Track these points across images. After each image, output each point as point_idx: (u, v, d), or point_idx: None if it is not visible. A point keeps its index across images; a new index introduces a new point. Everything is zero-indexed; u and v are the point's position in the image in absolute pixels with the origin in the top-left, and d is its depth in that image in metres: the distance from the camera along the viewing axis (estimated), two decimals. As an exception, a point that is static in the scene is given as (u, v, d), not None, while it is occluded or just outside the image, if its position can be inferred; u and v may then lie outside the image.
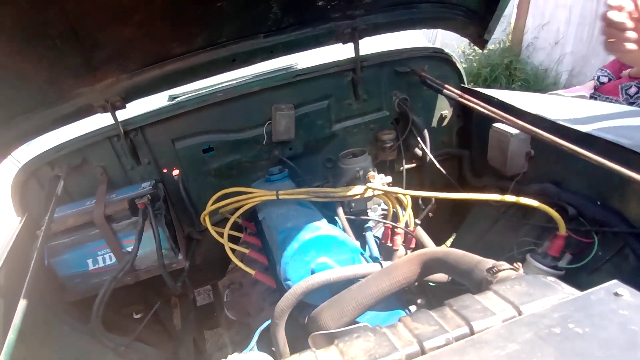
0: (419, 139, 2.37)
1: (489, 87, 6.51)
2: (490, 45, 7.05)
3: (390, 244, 1.92)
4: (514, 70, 7.23)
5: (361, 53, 2.21)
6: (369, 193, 1.88)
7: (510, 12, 7.52)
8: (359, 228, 2.02)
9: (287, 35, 2.00)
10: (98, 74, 1.77)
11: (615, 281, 0.85)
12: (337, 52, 2.26)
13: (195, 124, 2.20)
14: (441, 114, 2.53)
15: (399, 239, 1.89)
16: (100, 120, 2.04)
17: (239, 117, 2.25)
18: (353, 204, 2.03)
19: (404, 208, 1.92)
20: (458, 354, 0.76)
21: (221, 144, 2.26)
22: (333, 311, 1.39)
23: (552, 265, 1.64)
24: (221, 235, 2.05)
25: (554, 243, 1.65)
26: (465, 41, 7.43)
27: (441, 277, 1.64)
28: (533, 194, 1.78)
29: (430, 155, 2.34)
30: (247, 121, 2.27)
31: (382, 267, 1.53)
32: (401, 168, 2.46)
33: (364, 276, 1.49)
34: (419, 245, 1.96)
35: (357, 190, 1.87)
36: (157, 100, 2.19)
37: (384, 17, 2.09)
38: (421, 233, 1.99)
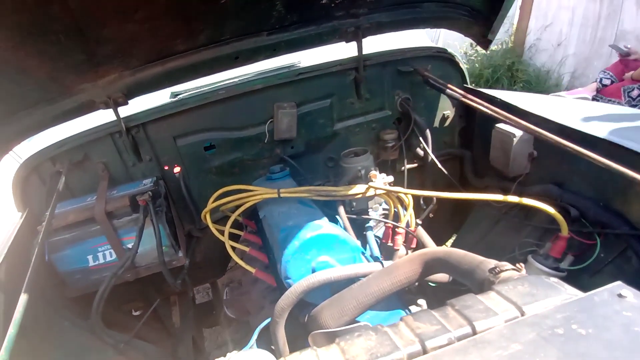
0: (421, 138, 2.36)
1: (490, 88, 6.50)
2: (493, 46, 7.01)
3: (391, 244, 1.92)
4: (516, 72, 7.22)
5: (364, 52, 2.20)
6: (371, 192, 1.87)
7: (513, 13, 7.50)
8: (360, 227, 2.02)
9: (290, 33, 1.99)
10: (100, 70, 1.77)
11: (619, 282, 0.84)
12: (340, 51, 2.25)
13: (197, 122, 2.20)
14: (443, 114, 2.52)
15: (399, 239, 1.89)
16: (102, 117, 2.04)
17: (241, 114, 2.24)
18: (354, 203, 2.03)
19: (405, 208, 1.91)
20: (460, 353, 0.76)
21: (223, 141, 2.25)
22: (333, 310, 1.39)
23: (553, 266, 1.63)
24: (222, 233, 2.04)
25: (556, 244, 1.65)
26: (467, 42, 7.44)
27: (442, 277, 1.64)
28: (535, 195, 1.77)
29: (432, 155, 2.33)
30: (249, 119, 2.27)
31: (383, 266, 1.53)
32: (403, 168, 2.46)
33: (364, 275, 1.49)
34: (420, 245, 1.96)
35: (358, 189, 1.86)
36: (159, 97, 2.18)
37: (387, 16, 2.09)
38: (422, 233, 1.99)
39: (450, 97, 2.19)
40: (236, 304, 2.28)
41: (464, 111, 2.52)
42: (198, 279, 2.70)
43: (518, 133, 1.89)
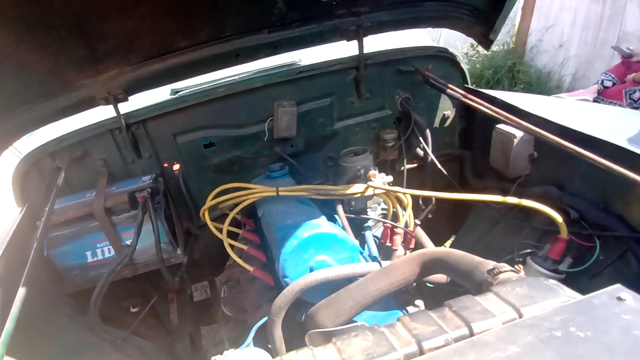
0: (420, 138, 2.36)
1: (491, 89, 6.50)
2: (494, 47, 7.03)
3: (390, 244, 1.91)
4: (517, 73, 7.21)
5: (365, 51, 2.20)
6: (370, 192, 1.87)
7: (514, 14, 7.49)
8: (358, 227, 2.01)
9: (291, 31, 1.99)
10: (101, 66, 1.77)
11: (618, 285, 0.84)
12: (341, 50, 2.25)
13: (197, 119, 2.19)
14: (444, 114, 2.52)
15: (398, 239, 1.89)
16: (102, 113, 2.03)
17: (240, 112, 2.24)
18: (353, 203, 2.03)
19: (404, 208, 1.91)
20: (457, 355, 0.75)
21: (222, 139, 2.25)
22: (330, 310, 1.39)
23: (552, 268, 1.63)
24: (220, 230, 2.04)
25: (555, 246, 1.65)
26: (468, 42, 7.43)
27: (440, 278, 1.63)
28: (535, 197, 1.76)
29: (431, 156, 2.33)
30: (249, 117, 2.26)
31: (381, 266, 1.52)
32: (402, 168, 2.45)
33: (362, 275, 1.49)
34: (419, 245, 1.95)
35: (357, 188, 1.86)
36: (160, 94, 2.18)
37: (388, 14, 2.08)
38: (421, 233, 1.99)
39: (450, 97, 2.19)
40: (234, 302, 2.27)
41: (465, 111, 2.51)
42: (196, 277, 2.69)
43: (518, 134, 1.88)
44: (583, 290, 0.90)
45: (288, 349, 1.45)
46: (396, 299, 1.69)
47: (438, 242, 2.60)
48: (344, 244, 1.61)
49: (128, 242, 1.93)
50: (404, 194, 1.88)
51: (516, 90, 6.79)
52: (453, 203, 2.58)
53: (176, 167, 2.18)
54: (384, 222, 1.97)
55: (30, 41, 1.42)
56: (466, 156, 2.53)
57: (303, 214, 1.76)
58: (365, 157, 2.07)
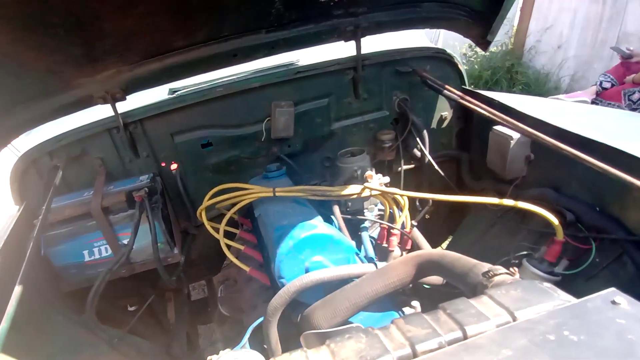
0: (418, 139, 2.36)
1: (489, 90, 6.49)
2: (492, 48, 7.03)
3: (386, 245, 1.92)
4: (516, 74, 7.22)
5: (363, 52, 2.20)
6: (366, 193, 1.87)
7: (513, 15, 7.50)
8: (355, 228, 2.02)
9: (289, 32, 1.99)
10: (99, 65, 1.76)
11: (613, 289, 0.84)
12: (339, 50, 2.25)
13: (194, 119, 2.19)
14: (441, 115, 2.52)
15: (394, 240, 1.89)
16: (100, 112, 2.03)
17: (238, 112, 2.24)
18: (350, 204, 2.03)
19: (400, 209, 1.91)
20: (450, 358, 0.76)
21: (220, 139, 2.25)
22: (326, 311, 1.39)
23: (548, 270, 1.63)
24: (217, 230, 2.04)
25: (551, 248, 1.65)
26: (466, 43, 7.43)
27: (436, 279, 1.63)
28: (531, 199, 1.77)
29: (429, 157, 2.33)
30: (246, 117, 2.26)
31: (377, 267, 1.52)
32: (399, 169, 2.46)
33: (358, 276, 1.49)
34: (415, 246, 1.96)
35: (354, 189, 1.86)
36: (158, 94, 2.18)
37: (386, 15, 2.08)
38: (417, 235, 1.99)
39: (448, 98, 2.19)
40: (230, 302, 2.27)
41: (462, 113, 2.52)
42: (193, 276, 2.69)
43: (515, 136, 1.89)
44: (579, 293, 0.90)
45: (284, 350, 1.46)
46: (392, 300, 1.69)
47: (435, 243, 2.61)
48: (340, 245, 1.61)
49: (125, 242, 1.93)
50: (401, 195, 1.88)
51: (514, 92, 6.81)
52: (450, 204, 2.58)
53: (174, 166, 2.18)
54: (381, 223, 1.97)
55: (28, 40, 1.41)
56: (463, 157, 2.53)
57: (299, 215, 1.76)
58: (362, 158, 2.07)
